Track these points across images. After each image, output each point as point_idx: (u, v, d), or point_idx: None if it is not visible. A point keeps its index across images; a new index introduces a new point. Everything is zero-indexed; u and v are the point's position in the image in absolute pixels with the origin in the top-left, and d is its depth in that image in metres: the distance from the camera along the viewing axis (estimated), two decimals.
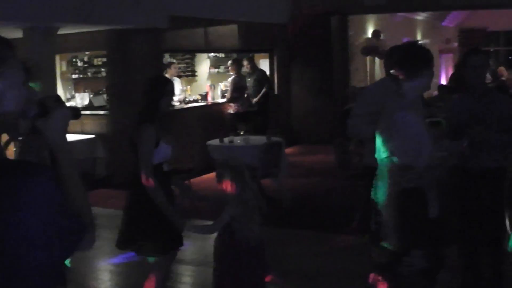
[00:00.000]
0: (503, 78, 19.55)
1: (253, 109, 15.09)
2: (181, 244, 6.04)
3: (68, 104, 13.81)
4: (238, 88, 14.56)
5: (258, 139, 11.32)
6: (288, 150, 13.73)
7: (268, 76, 16.50)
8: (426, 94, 14.85)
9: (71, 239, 2.46)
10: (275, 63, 17.35)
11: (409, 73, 4.83)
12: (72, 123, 2.71)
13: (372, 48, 18.87)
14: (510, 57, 29.95)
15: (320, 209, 10.61)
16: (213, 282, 5.37)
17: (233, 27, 15.53)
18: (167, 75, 14.11)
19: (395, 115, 4.80)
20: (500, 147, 6.19)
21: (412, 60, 4.85)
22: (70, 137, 10.23)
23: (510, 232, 8.03)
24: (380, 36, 18.93)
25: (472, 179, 6.24)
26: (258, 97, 15.26)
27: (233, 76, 14.72)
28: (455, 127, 6.28)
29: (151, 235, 5.79)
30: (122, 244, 5.99)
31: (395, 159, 4.77)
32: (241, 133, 11.43)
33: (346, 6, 16.83)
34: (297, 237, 9.01)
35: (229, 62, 15.26)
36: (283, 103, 17.30)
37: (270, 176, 10.73)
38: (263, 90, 15.36)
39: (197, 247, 8.08)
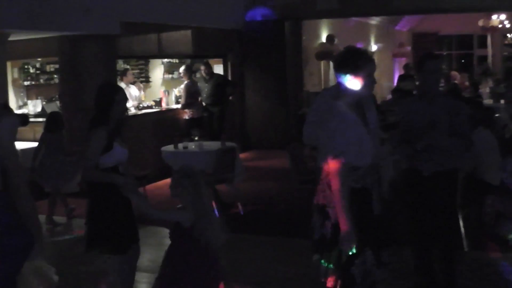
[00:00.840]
0: (456, 82, 19.75)
1: (214, 109, 15.15)
2: (136, 241, 6.11)
3: (19, 111, 13.67)
4: (191, 94, 14.55)
5: (212, 145, 11.31)
6: (242, 155, 13.71)
7: (227, 78, 16.57)
8: (380, 98, 14.89)
9: (19, 256, 2.42)
10: (229, 68, 17.33)
11: (341, 77, 4.91)
12: (24, 131, 2.67)
13: (326, 53, 18.93)
14: (462, 61, 30.28)
15: (275, 214, 10.62)
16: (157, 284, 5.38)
17: (187, 33, 15.46)
18: (123, 82, 14.07)
19: (335, 116, 4.84)
20: (451, 151, 6.25)
21: (345, 65, 4.90)
22: (22, 145, 10.27)
23: (463, 233, 8.16)
24: (334, 40, 19.03)
25: (425, 181, 6.29)
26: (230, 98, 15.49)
27: (185, 82, 14.70)
28: (407, 130, 6.32)
29: (109, 235, 5.82)
30: (88, 247, 6.01)
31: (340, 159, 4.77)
32: (195, 138, 11.38)
33: (300, 11, 16.86)
34: (252, 242, 9.00)
35: (181, 68, 15.22)
36: (237, 108, 17.27)
37: (224, 182, 10.71)
38: (230, 97, 15.55)
39: (152, 255, 8.01)
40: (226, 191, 10.89)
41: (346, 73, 4.87)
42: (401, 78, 15.69)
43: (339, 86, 4.98)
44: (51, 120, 10.54)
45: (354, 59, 4.88)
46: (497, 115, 11.55)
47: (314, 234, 5.08)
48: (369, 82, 4.93)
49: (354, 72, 4.85)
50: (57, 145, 10.32)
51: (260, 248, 8.73)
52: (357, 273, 4.92)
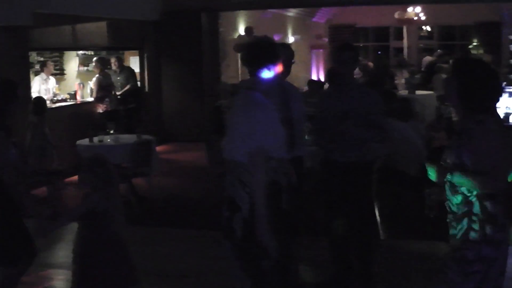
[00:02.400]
0: None
1: (124, 107, 14.98)
2: (34, 255, 5.91)
3: None
4: (103, 87, 14.39)
5: (128, 138, 11.20)
6: (159, 148, 13.61)
7: (135, 73, 16.35)
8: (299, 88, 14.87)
9: None
10: (145, 61, 17.12)
11: (254, 69, 4.89)
12: None
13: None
14: (379, 52, 30.64)
15: (191, 207, 10.56)
16: (73, 281, 5.27)
17: (102, 24, 15.26)
18: (43, 73, 13.88)
19: (249, 108, 4.80)
20: (365, 141, 6.30)
21: (255, 56, 4.89)
22: None
23: (379, 222, 8.27)
24: (252, 32, 18.97)
25: (340, 171, 6.32)
26: (121, 92, 15.19)
27: (97, 75, 14.52)
28: (323, 121, 6.34)
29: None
30: None
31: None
32: (111, 132, 11.23)
33: (216, 2, 16.79)
34: (168, 236, 8.93)
35: (94, 59, 15.03)
36: (154, 100, 17.11)
37: (141, 175, 10.60)
38: (127, 86, 15.29)
39: (67, 250, 7.87)
40: (142, 184, 10.79)
41: (256, 66, 4.86)
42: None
43: (253, 77, 4.95)
44: (38, 104, 11.26)
45: (264, 52, 4.88)
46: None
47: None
48: (283, 72, 4.96)
49: (264, 64, 4.84)
50: (43, 127, 11.08)
51: (177, 241, 8.66)
52: (268, 265, 4.91)
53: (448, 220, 4.34)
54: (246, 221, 4.79)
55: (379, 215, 8.41)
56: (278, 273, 5.05)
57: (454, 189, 4.23)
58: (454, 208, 4.26)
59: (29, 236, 5.89)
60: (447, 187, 4.27)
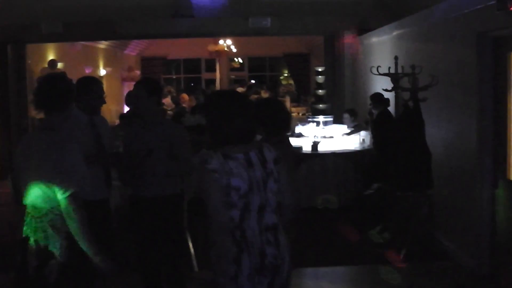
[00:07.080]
0: (184, 105, 20.08)
1: None
2: None
3: None
4: None
5: None
6: None
7: None
8: (111, 122, 14.75)
9: None
10: None
11: (48, 107, 4.72)
12: None
13: None
14: (192, 84, 30.87)
15: None
16: None
17: None
18: None
19: (50, 151, 4.59)
20: (171, 175, 6.28)
21: (47, 94, 4.73)
22: None
23: (193, 253, 8.24)
24: (56, 65, 18.54)
25: (148, 206, 6.27)
26: None
27: None
28: (128, 157, 6.26)
29: None
30: None
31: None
32: None
33: (23, 34, 16.29)
34: None
35: None
36: None
37: None
38: None
39: None
40: None
41: (51, 102, 4.69)
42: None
43: (50, 116, 4.74)
44: None
45: (56, 88, 4.73)
46: None
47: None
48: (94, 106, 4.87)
49: (63, 103, 4.70)
50: None
51: None
52: None
53: None
54: (62, 265, 4.59)
55: (193, 247, 8.38)
56: None
57: None
58: None
59: None
60: None
